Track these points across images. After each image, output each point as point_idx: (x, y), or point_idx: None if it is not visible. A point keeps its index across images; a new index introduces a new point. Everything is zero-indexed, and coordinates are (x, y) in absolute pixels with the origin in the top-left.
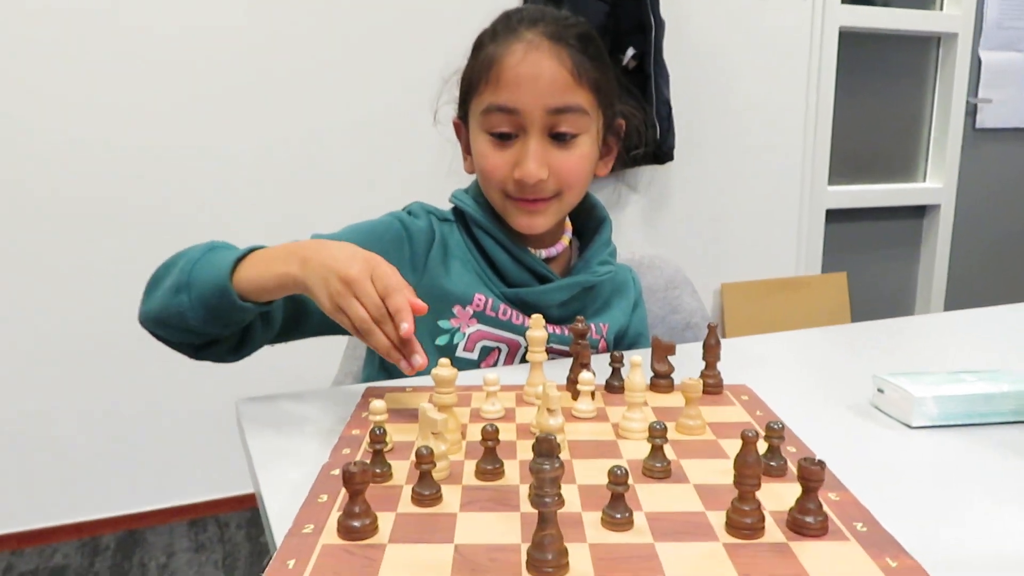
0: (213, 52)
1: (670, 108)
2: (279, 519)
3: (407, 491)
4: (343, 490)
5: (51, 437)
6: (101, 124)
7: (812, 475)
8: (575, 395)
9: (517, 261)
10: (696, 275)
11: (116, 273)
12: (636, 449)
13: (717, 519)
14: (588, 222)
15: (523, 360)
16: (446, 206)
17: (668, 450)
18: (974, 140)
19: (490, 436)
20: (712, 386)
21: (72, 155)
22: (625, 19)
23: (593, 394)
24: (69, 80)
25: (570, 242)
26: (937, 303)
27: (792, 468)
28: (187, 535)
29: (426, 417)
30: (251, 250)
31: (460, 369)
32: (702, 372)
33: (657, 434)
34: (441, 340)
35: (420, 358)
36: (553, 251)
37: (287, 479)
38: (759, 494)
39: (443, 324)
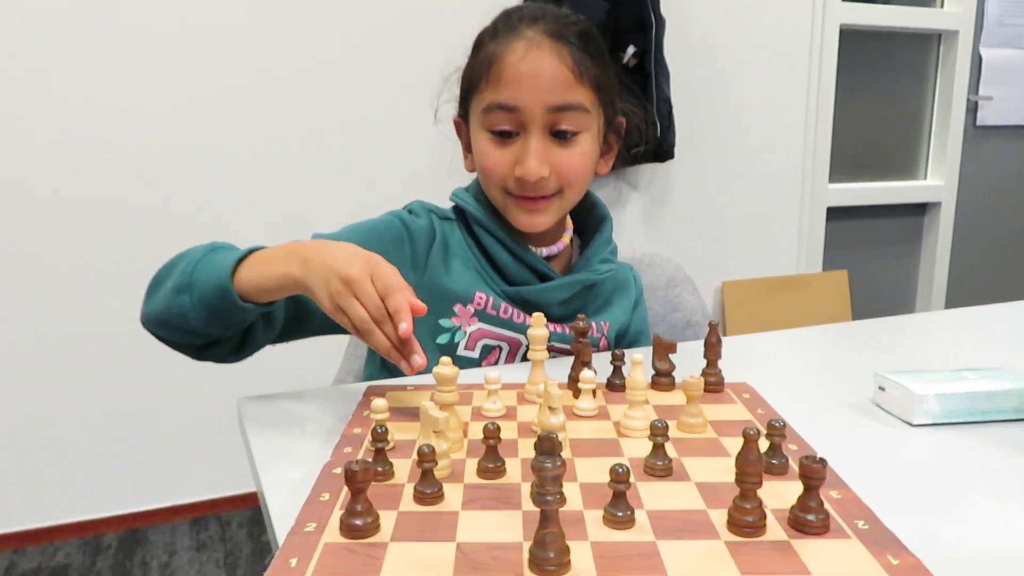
0: (213, 52)
1: (670, 106)
2: (281, 518)
3: (409, 489)
4: (345, 488)
5: (53, 436)
6: (101, 124)
7: (814, 473)
8: (576, 393)
9: (518, 259)
10: (697, 273)
11: (116, 273)
12: (637, 447)
13: (719, 517)
14: (589, 220)
15: (524, 358)
16: (447, 205)
17: (669, 448)
18: (975, 137)
19: (492, 434)
20: (713, 384)
21: (72, 155)
22: (625, 17)
23: (594, 392)
24: (69, 80)
25: (571, 240)
26: (938, 301)
27: (793, 466)
28: (189, 534)
29: (428, 416)
30: (252, 250)
31: (461, 368)
32: (703, 370)
33: (659, 432)
34: (442, 339)
35: (419, 358)
36: (554, 249)
37: (289, 478)
38: (760, 492)
39: (444, 323)
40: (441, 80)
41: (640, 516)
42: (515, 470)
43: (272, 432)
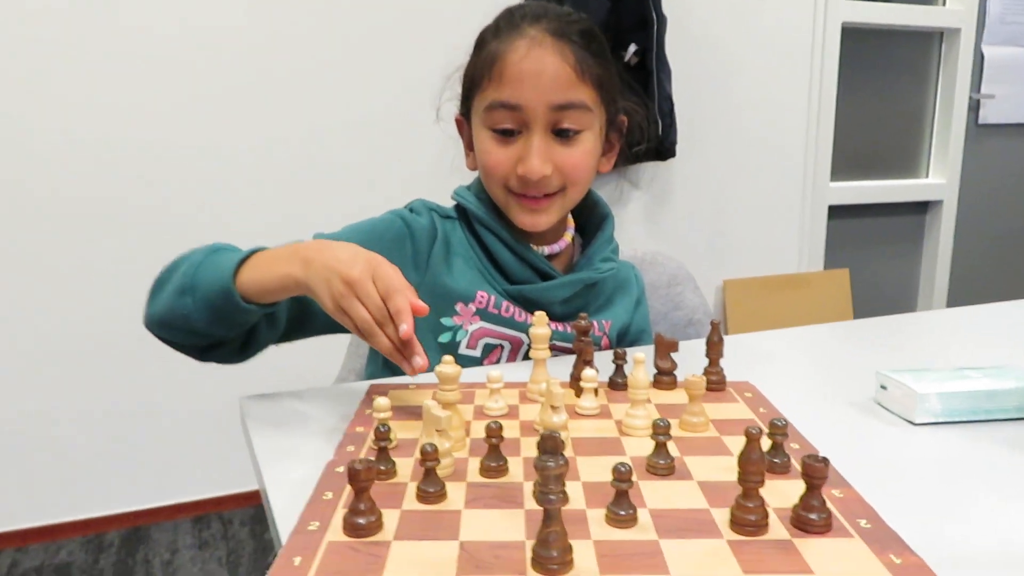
0: (213, 52)
1: (672, 104)
2: (284, 516)
3: (412, 488)
4: (348, 487)
5: (54, 436)
6: (101, 124)
7: (816, 472)
8: (578, 392)
9: (519, 258)
10: (698, 271)
11: (116, 273)
12: (640, 446)
13: (721, 516)
14: (590, 219)
15: (526, 357)
16: (448, 203)
17: (672, 447)
18: (977, 136)
19: (494, 433)
20: (715, 383)
21: (72, 155)
22: (627, 15)
23: (596, 391)
24: (69, 80)
25: (572, 239)
26: (940, 299)
27: (796, 465)
28: (191, 532)
29: (430, 414)
30: (254, 251)
31: (462, 366)
32: (705, 369)
33: (661, 431)
34: (444, 337)
35: (420, 359)
36: (556, 248)
37: (292, 476)
38: (763, 491)
39: (446, 321)
40: (443, 79)
41: (642, 515)
42: (517, 469)
43: (275, 431)
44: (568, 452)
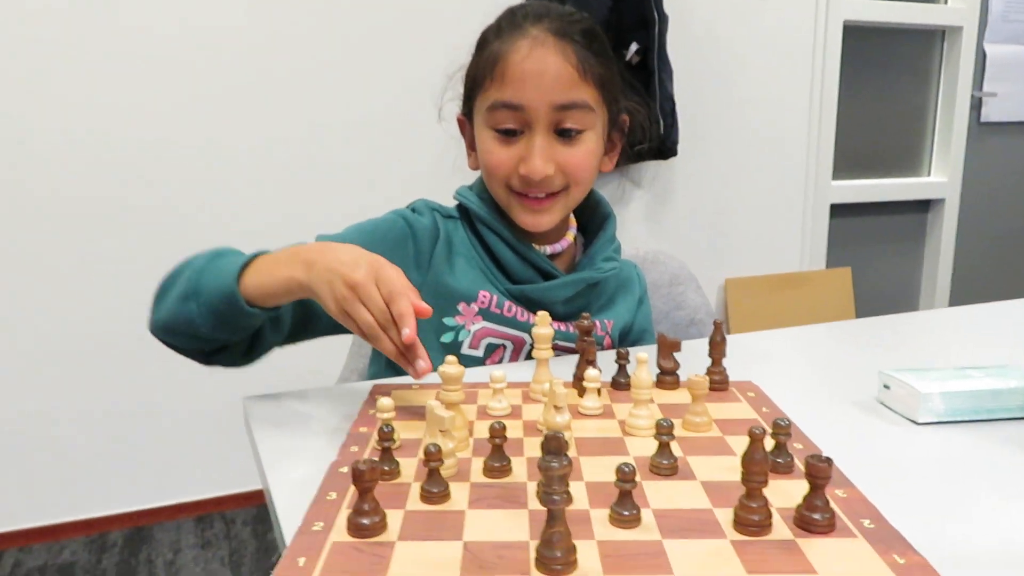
0: (213, 52)
1: (674, 103)
2: (288, 516)
3: (415, 488)
4: (352, 488)
5: (57, 436)
6: (101, 124)
7: (819, 472)
8: (581, 392)
9: (522, 258)
10: (700, 270)
11: (116, 273)
12: (643, 446)
13: (724, 516)
14: (592, 218)
15: (528, 357)
16: (450, 203)
17: (675, 447)
18: (979, 134)
19: (498, 434)
20: (718, 383)
21: (72, 155)
22: (628, 14)
23: (599, 391)
24: (69, 80)
25: (575, 238)
26: (942, 298)
27: (799, 465)
28: (193, 532)
29: (433, 415)
30: (257, 255)
31: (465, 366)
32: (708, 369)
33: (664, 431)
34: (446, 337)
35: (423, 363)
36: (558, 247)
37: (295, 476)
38: (766, 491)
39: (448, 321)
40: (445, 78)
41: (646, 515)
42: (521, 469)
43: (278, 431)
44: (571, 452)
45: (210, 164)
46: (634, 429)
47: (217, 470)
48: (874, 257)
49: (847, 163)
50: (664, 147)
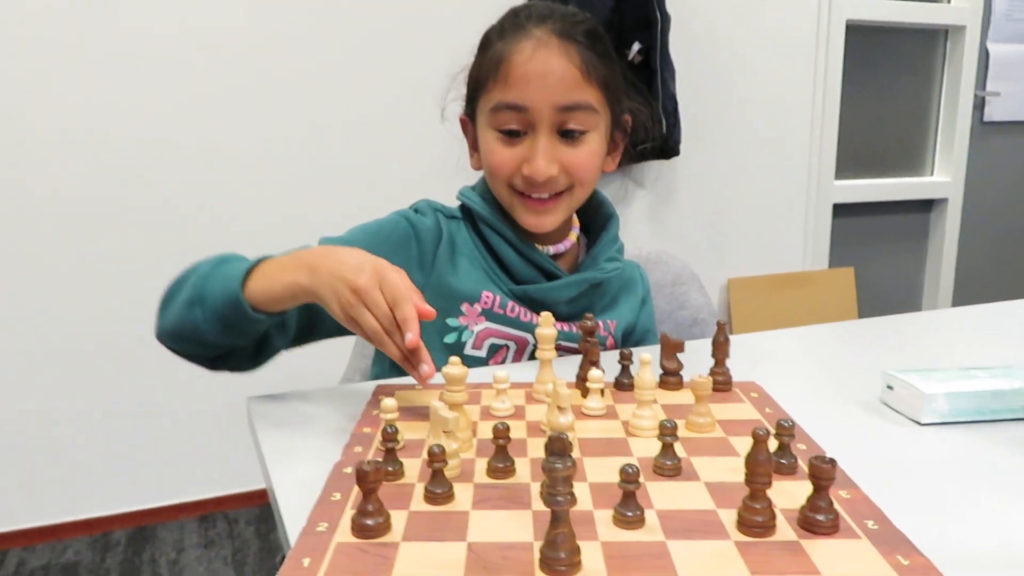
0: (213, 52)
1: (676, 103)
2: (292, 517)
3: (419, 489)
4: (356, 488)
5: (58, 436)
6: (101, 124)
7: (823, 473)
8: (584, 392)
9: (525, 258)
10: (702, 270)
11: (116, 273)
12: (646, 447)
13: (728, 517)
14: (595, 219)
15: (531, 357)
16: (453, 203)
17: (678, 448)
18: (982, 133)
19: (501, 434)
20: (721, 383)
21: (72, 155)
22: (630, 14)
23: (603, 392)
24: (69, 79)
25: (577, 239)
26: (945, 298)
27: (803, 466)
28: (197, 531)
29: (437, 416)
30: (260, 260)
31: (468, 367)
32: (711, 369)
33: (668, 432)
34: (449, 338)
35: (427, 367)
36: (561, 247)
37: (299, 477)
38: (770, 492)
39: (451, 322)
40: (448, 79)
41: (650, 516)
42: (524, 470)
43: (282, 431)
44: (575, 453)
45: (210, 164)
46: (637, 430)
47: (219, 469)
48: (877, 257)
49: (850, 163)
50: (666, 147)
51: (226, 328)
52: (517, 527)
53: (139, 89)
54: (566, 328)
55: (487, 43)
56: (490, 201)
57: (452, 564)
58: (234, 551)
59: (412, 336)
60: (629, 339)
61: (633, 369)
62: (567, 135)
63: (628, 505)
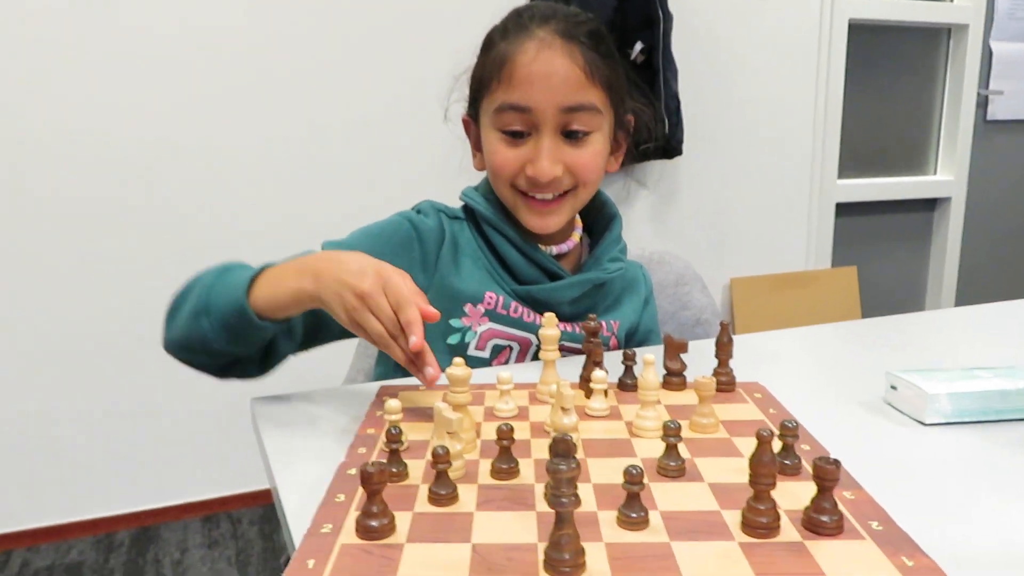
0: (213, 52)
1: (679, 102)
2: (296, 518)
3: (423, 490)
4: (360, 490)
5: (63, 437)
6: (101, 124)
7: (827, 474)
8: (588, 393)
9: (528, 258)
10: (705, 270)
11: (116, 273)
12: (650, 448)
13: (732, 518)
14: (598, 219)
15: (534, 358)
16: (455, 204)
17: (682, 449)
18: (985, 132)
19: (505, 435)
20: (725, 384)
21: (72, 155)
22: (633, 13)
23: (606, 392)
24: (69, 79)
25: (580, 239)
26: (948, 297)
27: (807, 467)
28: (200, 531)
29: (441, 417)
30: (264, 268)
31: (471, 367)
32: (715, 370)
33: (672, 433)
34: (453, 339)
35: (432, 370)
36: (564, 247)
37: (303, 478)
38: (774, 493)
39: (454, 323)
40: (452, 79)
41: (654, 517)
42: (528, 471)
43: (286, 432)
44: (578, 454)
45: (210, 164)
46: (641, 431)
47: (223, 470)
48: (880, 256)
49: (852, 162)
50: (669, 146)
51: (233, 337)
52: (521, 528)
53: (139, 89)
54: (569, 329)
55: (490, 43)
56: (493, 202)
57: (456, 565)
58: (238, 551)
59: (416, 339)
60: (632, 339)
61: (637, 370)
62: (571, 136)
63: (632, 506)
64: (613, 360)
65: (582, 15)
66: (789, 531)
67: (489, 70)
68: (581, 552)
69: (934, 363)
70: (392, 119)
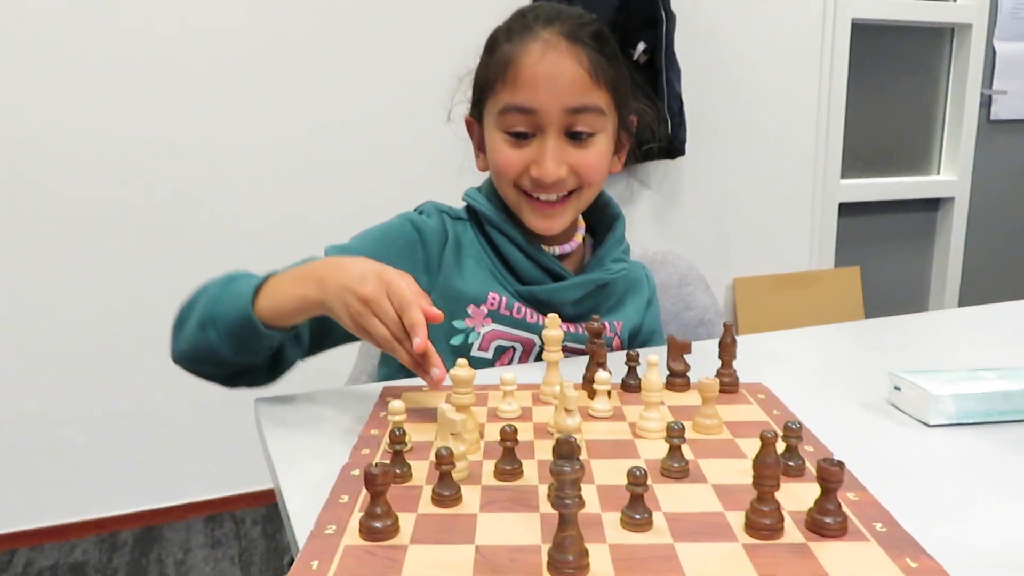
0: (213, 52)
1: (681, 102)
2: (300, 518)
3: (427, 492)
4: (364, 491)
5: (65, 436)
6: (101, 124)
7: (831, 476)
8: (591, 394)
9: (531, 259)
10: (708, 270)
11: (116, 273)
12: (654, 449)
13: (736, 519)
14: (601, 219)
15: (538, 358)
16: (457, 204)
17: (686, 450)
18: (988, 132)
19: (509, 437)
20: (728, 385)
21: (72, 155)
22: (636, 13)
23: (609, 393)
24: (69, 79)
25: (583, 239)
26: (951, 297)
27: (810, 468)
28: (204, 531)
29: (445, 418)
30: (268, 276)
31: (474, 368)
32: (718, 371)
33: (675, 434)
34: (456, 340)
35: (438, 371)
36: (567, 248)
37: (307, 479)
38: (778, 494)
39: (457, 324)
40: (455, 80)
41: (657, 518)
42: (532, 472)
43: (289, 433)
44: (582, 455)
45: (210, 164)
46: (644, 432)
47: (226, 470)
48: (883, 256)
49: (856, 162)
50: (672, 146)
51: (240, 346)
52: (525, 530)
53: (139, 89)
54: (572, 329)
55: (494, 44)
56: (496, 202)
57: (460, 567)
58: (241, 551)
59: (420, 341)
60: (635, 340)
61: (640, 371)
62: (575, 137)
63: (636, 508)
64: (616, 361)
65: (586, 16)
66: (793, 533)
67: (493, 71)
68: (585, 553)
69: (937, 364)
70: (393, 119)
